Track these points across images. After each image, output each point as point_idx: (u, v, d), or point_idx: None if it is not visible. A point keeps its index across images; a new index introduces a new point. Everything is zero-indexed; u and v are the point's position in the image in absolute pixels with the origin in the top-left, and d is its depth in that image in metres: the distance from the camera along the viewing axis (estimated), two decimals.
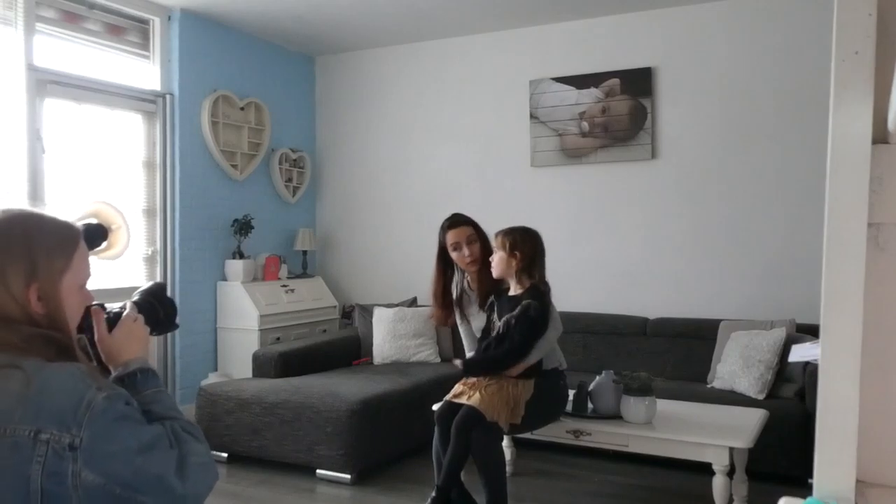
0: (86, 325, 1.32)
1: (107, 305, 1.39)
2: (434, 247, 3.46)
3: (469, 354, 3.48)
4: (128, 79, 4.67)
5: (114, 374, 1.31)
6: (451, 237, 3.33)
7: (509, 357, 3.07)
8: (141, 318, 1.38)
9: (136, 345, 1.33)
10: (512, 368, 3.08)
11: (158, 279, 4.77)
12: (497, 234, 3.17)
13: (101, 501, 1.11)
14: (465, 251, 3.30)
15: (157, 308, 1.45)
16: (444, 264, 3.41)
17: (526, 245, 3.12)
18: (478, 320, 3.37)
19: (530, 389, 3.11)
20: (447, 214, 3.46)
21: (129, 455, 1.12)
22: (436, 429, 3.18)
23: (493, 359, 3.10)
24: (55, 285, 1.20)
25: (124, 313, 1.36)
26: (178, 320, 1.52)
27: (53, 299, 1.20)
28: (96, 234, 1.43)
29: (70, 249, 1.24)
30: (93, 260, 1.38)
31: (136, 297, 1.45)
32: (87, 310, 1.31)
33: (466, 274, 3.40)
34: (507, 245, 3.11)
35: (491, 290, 3.28)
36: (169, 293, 5.64)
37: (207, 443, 1.28)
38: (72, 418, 1.09)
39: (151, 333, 1.40)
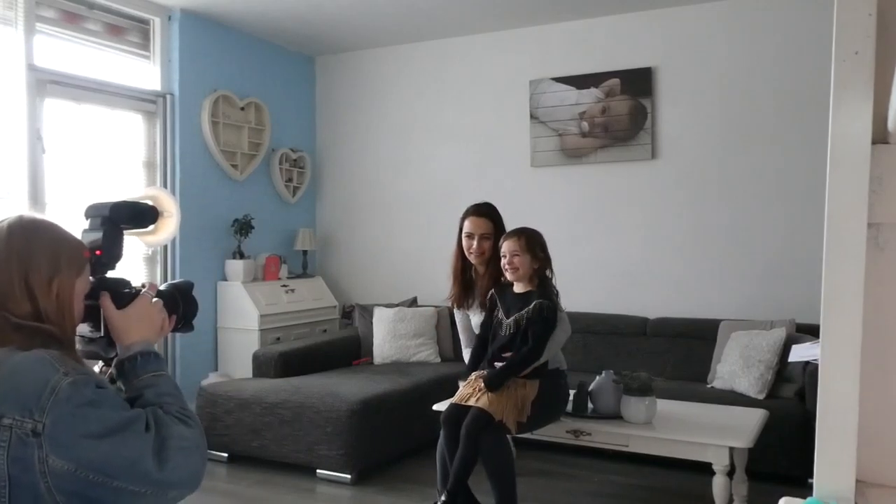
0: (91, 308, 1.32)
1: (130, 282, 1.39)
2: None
3: (465, 349, 3.47)
4: (128, 79, 4.67)
5: (118, 357, 1.30)
6: (467, 225, 3.32)
7: (528, 359, 3.05)
8: (160, 301, 1.38)
9: (145, 326, 1.32)
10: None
11: (159, 279, 4.77)
12: (512, 238, 3.11)
13: (72, 486, 1.10)
14: (474, 244, 3.29)
15: (178, 303, 1.44)
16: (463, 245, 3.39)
17: (543, 244, 3.14)
18: (476, 316, 3.36)
19: (536, 389, 3.11)
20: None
21: (93, 440, 1.10)
22: (442, 431, 3.13)
23: (513, 365, 3.06)
24: (73, 284, 1.25)
25: (143, 291, 1.36)
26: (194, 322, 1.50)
27: (70, 296, 1.24)
28: (147, 215, 1.46)
29: (83, 258, 1.29)
30: (133, 240, 1.43)
31: (162, 287, 1.44)
32: (99, 290, 1.32)
33: (474, 267, 3.39)
34: (528, 247, 3.08)
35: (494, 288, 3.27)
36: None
37: (201, 428, 1.26)
38: (35, 404, 1.09)
39: None
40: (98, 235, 1.36)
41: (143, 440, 1.15)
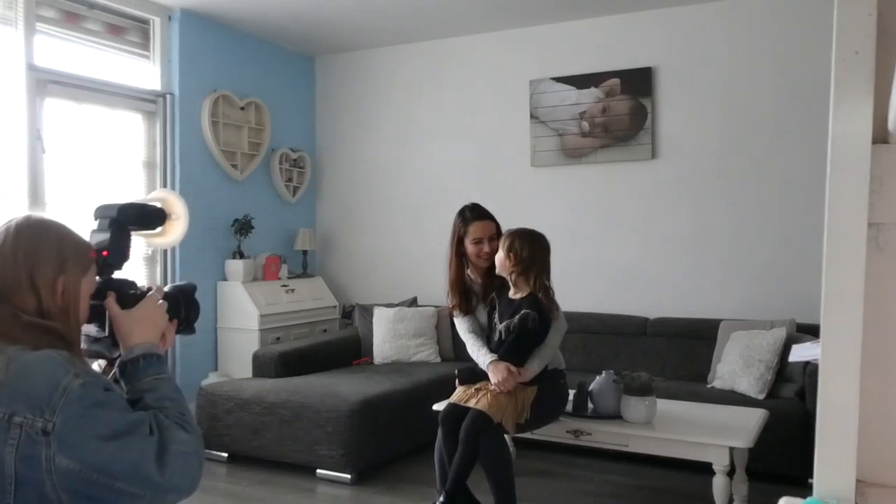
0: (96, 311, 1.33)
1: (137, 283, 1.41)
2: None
3: (479, 350, 3.46)
4: (128, 79, 4.67)
5: (120, 358, 1.32)
6: (475, 230, 3.27)
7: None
8: (164, 304, 1.39)
9: (148, 328, 1.34)
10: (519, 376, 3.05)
11: (159, 279, 4.77)
12: (507, 238, 3.13)
13: (76, 486, 1.12)
14: (486, 247, 3.26)
15: (180, 306, 1.45)
16: (461, 252, 3.33)
17: (524, 249, 3.07)
18: (482, 315, 3.35)
19: (535, 391, 3.11)
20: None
21: (100, 442, 1.13)
22: (439, 431, 3.13)
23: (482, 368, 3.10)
24: (78, 283, 1.27)
25: (149, 294, 1.38)
26: (195, 326, 1.51)
27: (75, 295, 1.26)
28: (155, 217, 1.48)
29: (90, 259, 1.31)
30: (140, 241, 1.45)
31: (165, 288, 1.46)
32: (105, 291, 1.33)
33: (472, 266, 3.36)
34: (506, 246, 3.09)
35: (496, 289, 3.25)
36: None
37: (199, 434, 1.27)
38: (46, 403, 1.11)
39: None
40: (105, 236, 1.38)
41: (146, 444, 1.17)
